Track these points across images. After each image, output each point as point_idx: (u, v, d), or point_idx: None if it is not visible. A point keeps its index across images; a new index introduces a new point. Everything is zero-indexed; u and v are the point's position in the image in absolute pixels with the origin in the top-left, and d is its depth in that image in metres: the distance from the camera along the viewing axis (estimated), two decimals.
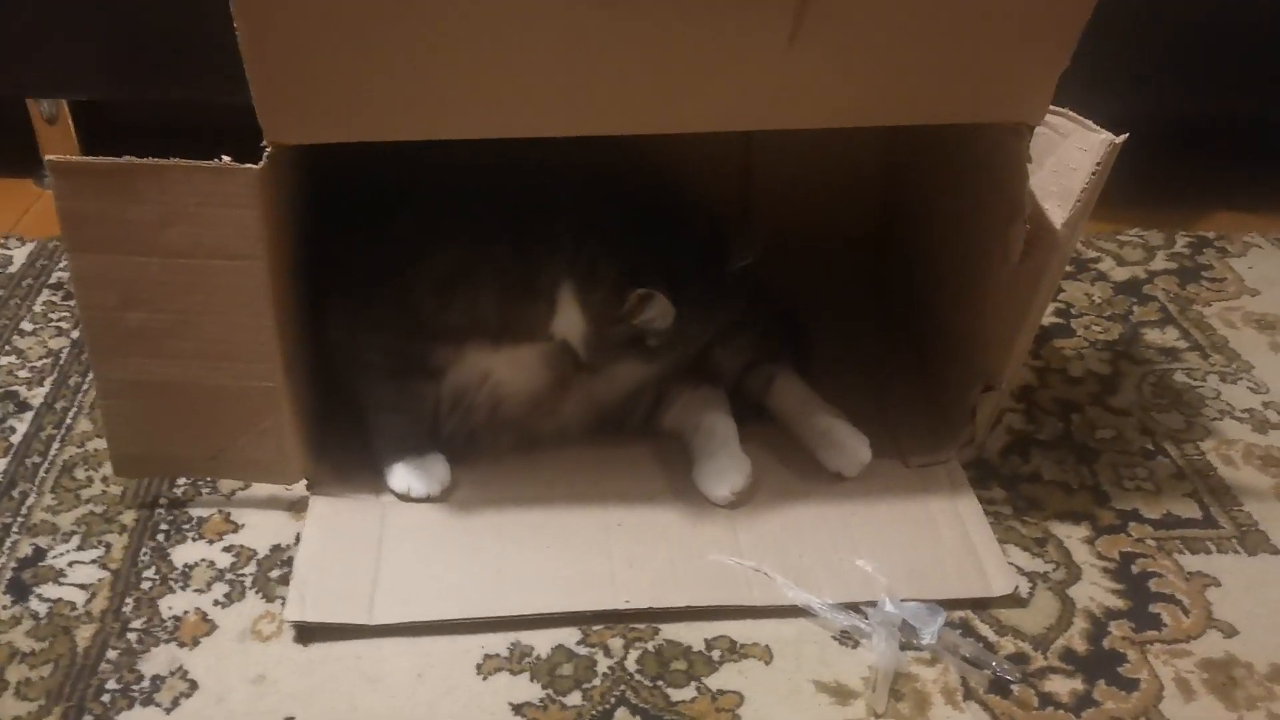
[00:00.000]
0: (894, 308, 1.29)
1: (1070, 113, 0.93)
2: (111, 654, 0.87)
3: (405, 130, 0.83)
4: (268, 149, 0.82)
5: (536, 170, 0.99)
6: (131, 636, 0.88)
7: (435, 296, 0.96)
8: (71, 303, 1.26)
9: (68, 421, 1.11)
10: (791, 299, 1.20)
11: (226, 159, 0.82)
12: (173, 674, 0.85)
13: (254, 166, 0.82)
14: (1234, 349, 1.28)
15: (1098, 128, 0.91)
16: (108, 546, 0.96)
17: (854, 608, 0.90)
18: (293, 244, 0.95)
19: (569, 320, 0.96)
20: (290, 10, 0.77)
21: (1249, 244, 1.51)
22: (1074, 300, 1.37)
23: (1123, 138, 0.88)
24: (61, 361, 1.19)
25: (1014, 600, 0.93)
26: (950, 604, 0.91)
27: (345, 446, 1.04)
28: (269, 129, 0.81)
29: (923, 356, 1.19)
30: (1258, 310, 1.36)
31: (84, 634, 0.88)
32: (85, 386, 1.15)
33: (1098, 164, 0.89)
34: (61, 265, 1.34)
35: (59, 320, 1.26)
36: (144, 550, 0.96)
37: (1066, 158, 0.94)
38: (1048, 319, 1.33)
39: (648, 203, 0.99)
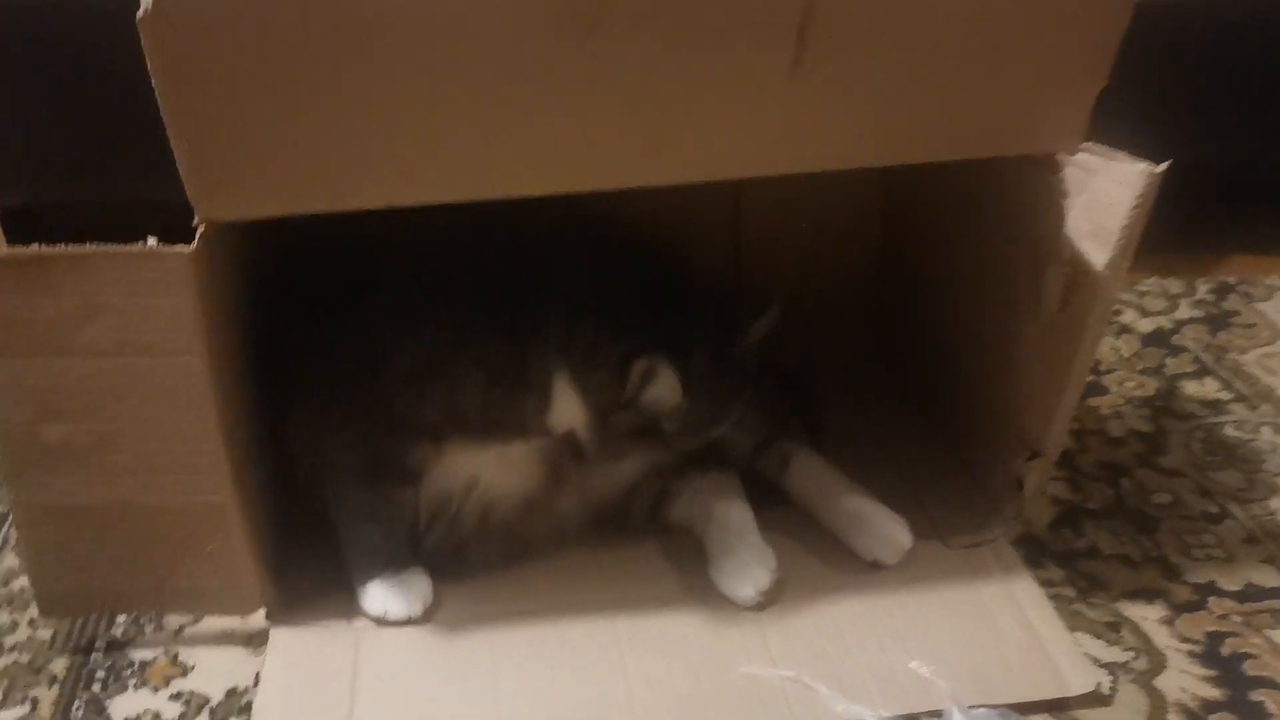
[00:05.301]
0: (906, 367, 1.20)
1: (1095, 145, 0.85)
2: None
3: (354, 199, 0.73)
4: (200, 228, 0.72)
5: (516, 241, 0.91)
6: None
7: (408, 390, 0.87)
8: None
9: None
10: (793, 363, 1.09)
11: (153, 241, 0.72)
12: None
13: (185, 248, 0.72)
14: None
15: (1132, 159, 0.82)
16: (34, 702, 0.83)
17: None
18: (238, 336, 0.85)
19: (570, 411, 0.88)
20: (216, 68, 0.68)
21: (1273, 287, 1.44)
22: (1101, 356, 1.28)
23: (1163, 167, 0.80)
24: None
25: (1096, 698, 0.81)
26: (1024, 707, 0.79)
27: (310, 568, 0.92)
28: (200, 205, 0.72)
29: (948, 422, 1.10)
30: None
31: None
32: (11, 518, 1.02)
33: (1138, 197, 0.81)
34: None
35: None
36: (76, 703, 0.83)
37: (1100, 193, 0.85)
38: None
39: (644, 275, 0.92)
